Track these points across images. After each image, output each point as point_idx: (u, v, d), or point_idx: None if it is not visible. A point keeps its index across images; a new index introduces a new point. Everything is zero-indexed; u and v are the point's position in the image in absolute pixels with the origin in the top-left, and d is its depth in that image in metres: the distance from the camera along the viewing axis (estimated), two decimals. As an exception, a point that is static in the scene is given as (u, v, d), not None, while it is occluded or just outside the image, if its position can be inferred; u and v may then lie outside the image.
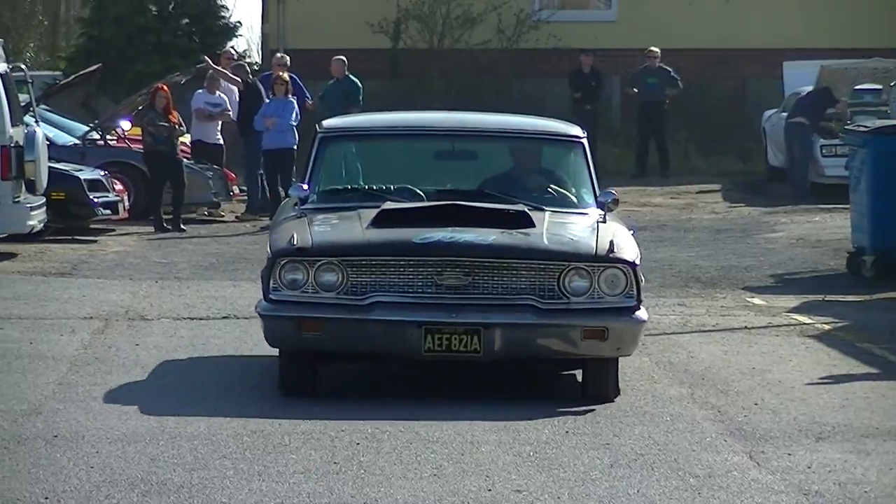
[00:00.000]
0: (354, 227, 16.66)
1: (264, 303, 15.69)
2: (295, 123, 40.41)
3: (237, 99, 42.10)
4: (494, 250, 15.38)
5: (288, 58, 43.03)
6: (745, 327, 27.92)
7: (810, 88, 43.59)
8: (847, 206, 31.89)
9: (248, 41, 55.19)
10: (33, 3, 69.30)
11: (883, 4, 49.92)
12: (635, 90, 45.81)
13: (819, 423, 19.48)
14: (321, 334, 15.43)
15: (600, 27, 50.90)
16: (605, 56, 46.78)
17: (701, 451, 18.21)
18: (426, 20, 49.88)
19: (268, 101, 40.21)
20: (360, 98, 43.09)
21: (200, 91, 44.41)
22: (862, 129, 31.55)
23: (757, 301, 31.09)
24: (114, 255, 35.57)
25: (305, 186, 17.78)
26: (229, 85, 41.70)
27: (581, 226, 16.48)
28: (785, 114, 43.36)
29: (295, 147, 41.70)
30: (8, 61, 32.53)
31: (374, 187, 18.16)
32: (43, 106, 37.72)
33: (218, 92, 43.25)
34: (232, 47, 50.97)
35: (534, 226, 15.79)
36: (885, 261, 30.05)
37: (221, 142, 44.33)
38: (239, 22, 56.77)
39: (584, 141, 18.00)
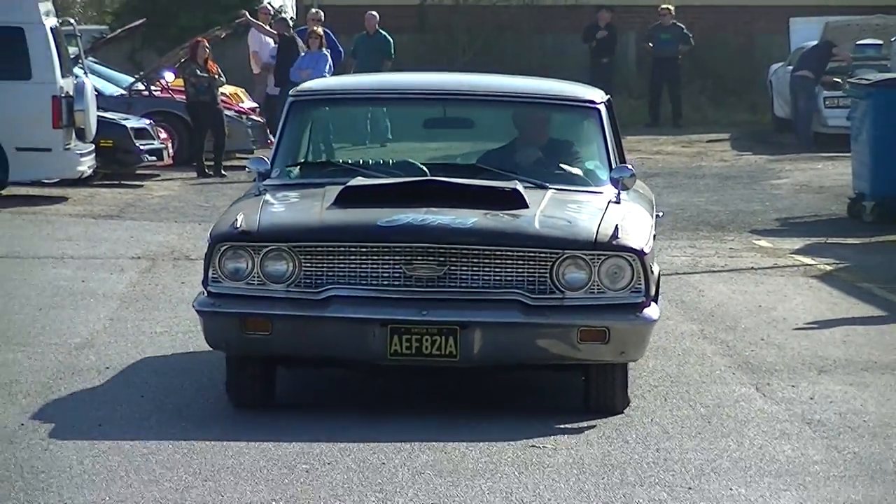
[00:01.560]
0: (314, 207, 14.33)
1: (201, 297, 13.57)
2: (328, 75, 38.46)
3: (273, 50, 42.95)
4: (474, 235, 13.13)
5: (322, 13, 42.87)
6: (752, 268, 28.21)
7: (814, 43, 44.38)
8: (848, 154, 32.75)
9: (282, -5, 50.65)
10: None
11: None
12: (650, 45, 46.44)
13: (821, 358, 19.47)
14: (268, 334, 13.24)
15: None
16: (623, 11, 46.74)
17: (710, 383, 18.35)
18: None
19: (303, 54, 40.58)
20: (392, 52, 43.28)
21: (270, 45, 45.88)
22: (864, 81, 31.70)
23: (763, 243, 31.41)
24: (159, 199, 35.94)
25: (266, 159, 15.41)
26: (265, 38, 42.24)
27: (587, 207, 14.21)
28: (790, 67, 43.82)
29: (328, 97, 35.61)
30: (57, 16, 32.40)
31: (350, 161, 15.85)
32: (91, 58, 38.29)
33: (269, 42, 43.96)
34: (268, 3, 50.16)
35: (527, 206, 13.55)
36: (884, 206, 30.53)
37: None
38: None
39: (602, 107, 15.66)
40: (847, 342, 21.01)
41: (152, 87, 42.51)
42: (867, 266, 27.34)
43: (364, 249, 12.97)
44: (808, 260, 28.88)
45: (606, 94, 16.13)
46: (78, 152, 32.40)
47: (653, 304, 12.92)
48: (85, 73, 34.05)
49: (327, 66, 40.95)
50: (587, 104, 15.67)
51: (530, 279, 12.75)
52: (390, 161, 15.75)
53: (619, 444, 14.91)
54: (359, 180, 14.02)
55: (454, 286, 12.78)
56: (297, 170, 15.45)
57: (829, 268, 27.75)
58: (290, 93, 17.13)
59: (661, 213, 17.55)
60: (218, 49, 41.20)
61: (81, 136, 32.20)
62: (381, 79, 22.08)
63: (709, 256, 29.49)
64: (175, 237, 27.93)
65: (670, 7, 44.88)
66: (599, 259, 12.75)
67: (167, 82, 42.87)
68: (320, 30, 39.19)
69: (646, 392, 18.47)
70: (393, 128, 17.34)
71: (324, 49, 40.62)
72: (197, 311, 13.37)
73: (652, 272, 13.06)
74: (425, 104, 16.72)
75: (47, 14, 30.97)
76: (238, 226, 13.26)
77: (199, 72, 39.99)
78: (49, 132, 31.32)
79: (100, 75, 38.79)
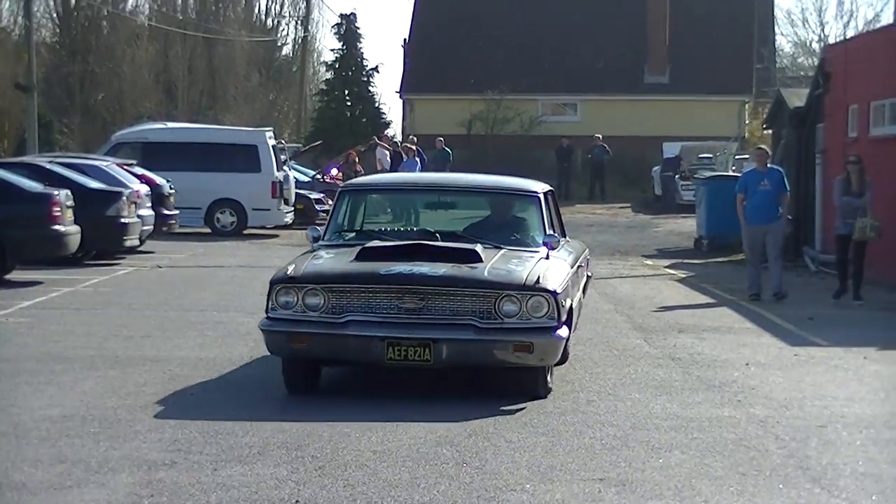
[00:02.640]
0: (341, 261, 13.69)
1: (264, 319, 13.00)
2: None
3: (389, 158, 47.71)
4: (444, 280, 12.44)
5: (415, 137, 50.95)
6: (643, 275, 30.61)
7: (672, 156, 50.99)
8: (693, 215, 37.94)
9: (394, 127, 64.14)
10: (288, 108, 72.89)
11: (721, 111, 57.00)
12: (590, 156, 54.59)
13: (680, 324, 20.72)
14: (306, 345, 12.66)
15: (572, 125, 58.38)
16: (576, 139, 54.88)
17: (619, 337, 19.41)
18: (484, 120, 58.15)
19: (405, 160, 45.40)
20: (451, 159, 48.59)
21: (388, 155, 48.38)
22: (701, 177, 38.81)
23: (649, 262, 34.16)
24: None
25: (319, 229, 14.92)
26: (385, 151, 48.08)
27: (524, 262, 13.24)
28: (659, 168, 51.90)
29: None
30: (276, 138, 39.84)
31: (375, 229, 15.12)
32: (293, 161, 44.57)
33: (387, 154, 48.33)
34: (387, 132, 59.81)
35: (481, 261, 12.85)
36: (713, 242, 33.69)
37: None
38: (391, 119, 65.69)
39: (541, 195, 14.82)
40: (695, 315, 22.10)
41: (325, 177, 47.56)
42: (705, 275, 29.56)
43: (371, 289, 12.36)
44: (672, 271, 31.26)
45: (549, 187, 15.56)
46: (285, 211, 37.37)
47: (564, 326, 12.38)
48: (289, 168, 40.41)
49: (417, 168, 44.76)
50: (531, 193, 14.77)
51: (481, 310, 12.07)
52: (399, 229, 15.14)
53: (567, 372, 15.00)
54: (374, 243, 13.44)
55: (430, 314, 12.17)
56: (340, 236, 14.44)
57: (684, 275, 29.73)
58: (341, 186, 17.59)
59: (590, 274, 17.25)
60: (361, 156, 47.96)
61: (287, 202, 37.70)
62: (401, 177, 23.02)
63: (619, 268, 31.44)
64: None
65: (599, 136, 52.32)
66: (526, 297, 12.08)
67: (333, 175, 47.78)
68: (414, 147, 45.13)
69: (582, 343, 18.24)
70: (406, 208, 17.48)
71: (415, 158, 44.81)
72: (260, 329, 12.90)
73: (563, 305, 12.41)
74: (427, 194, 16.04)
75: (270, 137, 37.34)
76: (288, 273, 12.87)
77: (351, 169, 45.31)
78: (270, 200, 35.96)
79: (297, 170, 44.51)
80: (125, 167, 29.46)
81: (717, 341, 18.51)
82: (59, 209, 22.30)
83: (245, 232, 36.98)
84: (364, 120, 60.76)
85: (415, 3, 61.75)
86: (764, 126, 42.53)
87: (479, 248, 13.22)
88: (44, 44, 60.43)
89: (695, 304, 22.84)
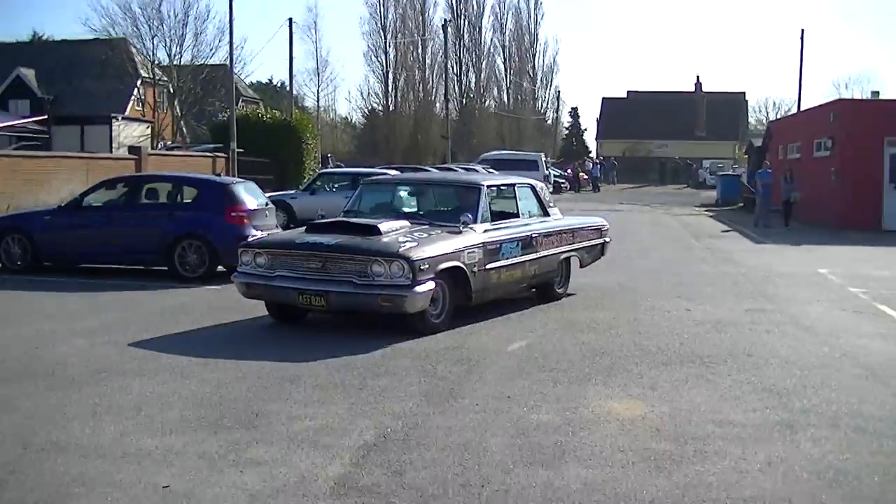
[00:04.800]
0: (295, 232, 14.07)
1: (236, 271, 13.15)
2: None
3: (590, 165, 69.18)
4: (334, 248, 12.09)
5: (601, 156, 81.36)
6: (693, 214, 41.69)
7: (707, 166, 79.16)
8: (714, 189, 60.70)
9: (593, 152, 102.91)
10: (550, 145, 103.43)
11: (728, 147, 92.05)
12: (672, 165, 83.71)
13: (711, 234, 29.50)
14: (256, 292, 12.76)
15: (668, 150, 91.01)
16: (670, 158, 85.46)
17: (684, 239, 27.09)
18: (630, 149, 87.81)
19: (592, 167, 65.84)
20: (616, 169, 77.52)
21: (589, 164, 71.32)
22: (718, 174, 65.58)
23: (695, 209, 47.18)
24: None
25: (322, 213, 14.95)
26: (591, 162, 72.39)
27: (418, 236, 12.65)
28: (703, 170, 78.08)
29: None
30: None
31: (360, 209, 14.47)
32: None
33: (590, 163, 69.99)
34: (590, 154, 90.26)
35: (380, 234, 12.60)
36: (724, 202, 48.82)
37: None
38: (591, 149, 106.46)
39: (483, 188, 13.91)
40: (716, 230, 30.37)
41: (567, 172, 66.15)
42: (720, 215, 40.28)
43: (289, 253, 12.50)
44: (706, 213, 42.97)
45: (495, 182, 14.96)
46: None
47: (420, 285, 11.94)
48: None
49: (598, 170, 66.66)
50: (474, 185, 14.33)
51: (359, 270, 11.94)
52: (381, 210, 14.43)
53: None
54: (317, 221, 13.67)
55: (326, 273, 12.13)
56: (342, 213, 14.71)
57: (711, 215, 39.80)
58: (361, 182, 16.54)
59: (607, 240, 17.20)
60: (582, 165, 69.22)
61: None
62: (396, 176, 21.30)
63: (682, 211, 42.61)
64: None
65: (676, 156, 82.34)
66: (390, 262, 11.84)
67: (568, 173, 66.21)
68: (598, 161, 67.65)
69: (668, 239, 25.53)
70: (394, 196, 15.15)
71: (598, 165, 66.69)
72: (232, 279, 13.46)
73: (420, 268, 11.88)
74: (407, 185, 15.72)
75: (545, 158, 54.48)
76: (250, 241, 13.68)
77: (575, 171, 64.53)
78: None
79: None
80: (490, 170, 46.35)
81: (727, 241, 28.84)
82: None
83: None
84: (582, 150, 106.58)
85: (602, 102, 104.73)
86: (745, 154, 66.56)
87: (383, 224, 13.12)
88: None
89: (717, 227, 34.74)
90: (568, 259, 16.21)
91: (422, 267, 12.16)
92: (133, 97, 59.84)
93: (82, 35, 67.50)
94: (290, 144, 42.90)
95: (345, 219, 13.94)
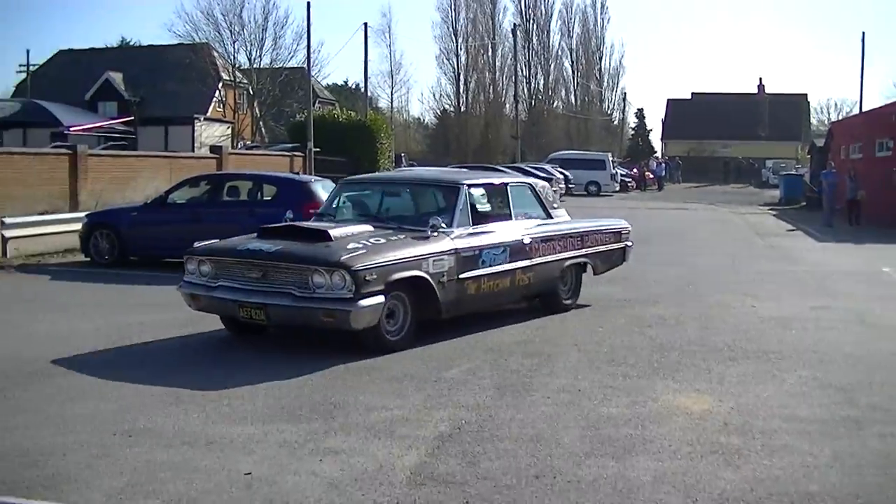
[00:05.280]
0: (245, 237, 12.04)
1: (182, 280, 11.65)
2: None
3: (655, 165, 70.68)
4: (273, 256, 10.71)
5: (667, 156, 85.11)
6: (756, 213, 41.73)
7: (770, 166, 79.02)
8: (777, 189, 59.76)
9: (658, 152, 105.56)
10: (616, 144, 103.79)
11: (791, 148, 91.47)
12: (740, 165, 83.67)
13: (774, 233, 29.42)
14: (199, 303, 11.28)
15: (730, 151, 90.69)
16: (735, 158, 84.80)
17: (748, 237, 26.97)
18: (695, 149, 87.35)
19: (656, 166, 68.35)
20: (680, 168, 78.94)
21: (654, 163, 74.01)
22: (782, 174, 64.91)
23: (759, 207, 47.60)
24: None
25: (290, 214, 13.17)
26: (656, 161, 75.36)
27: (380, 242, 11.03)
28: (765, 170, 77.72)
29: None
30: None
31: (338, 213, 12.89)
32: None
33: (654, 163, 72.45)
34: (655, 154, 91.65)
35: (329, 240, 11.04)
36: (787, 201, 47.61)
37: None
38: (656, 149, 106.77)
39: (464, 186, 12.19)
40: (780, 229, 30.54)
41: (633, 170, 68.16)
42: (783, 213, 39.60)
43: (230, 261, 11.04)
44: (770, 212, 42.83)
45: (478, 181, 13.01)
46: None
47: (366, 298, 10.35)
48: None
49: (663, 169, 68.00)
50: (452, 185, 12.53)
51: (299, 281, 10.42)
52: (354, 210, 13.04)
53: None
54: (271, 225, 12.04)
55: (266, 283, 10.61)
56: (318, 216, 13.24)
57: (774, 213, 39.68)
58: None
59: (629, 244, 15.19)
60: (647, 164, 71.67)
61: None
62: (376, 175, 17.35)
63: (747, 210, 42.36)
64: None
65: (746, 157, 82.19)
66: (330, 272, 10.28)
67: (633, 171, 67.89)
68: (663, 161, 71.11)
69: (735, 236, 25.72)
70: (368, 195, 13.40)
71: (663, 164, 69.00)
72: (177, 289, 11.85)
73: (364, 280, 10.32)
74: (383, 185, 13.62)
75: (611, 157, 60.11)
76: (196, 247, 11.73)
77: (641, 169, 66.55)
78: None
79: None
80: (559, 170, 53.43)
81: (791, 239, 28.91)
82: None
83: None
84: (648, 150, 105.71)
85: (667, 103, 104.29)
86: (808, 154, 64.09)
87: (337, 229, 11.66)
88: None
89: (781, 225, 34.64)
90: (577, 266, 14.49)
91: (367, 277, 10.59)
92: (214, 99, 60.54)
93: (167, 40, 69.59)
94: (365, 144, 43.11)
95: (295, 222, 12.57)
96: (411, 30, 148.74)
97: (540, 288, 13.80)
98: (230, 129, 52.17)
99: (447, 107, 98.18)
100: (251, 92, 61.53)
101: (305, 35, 43.97)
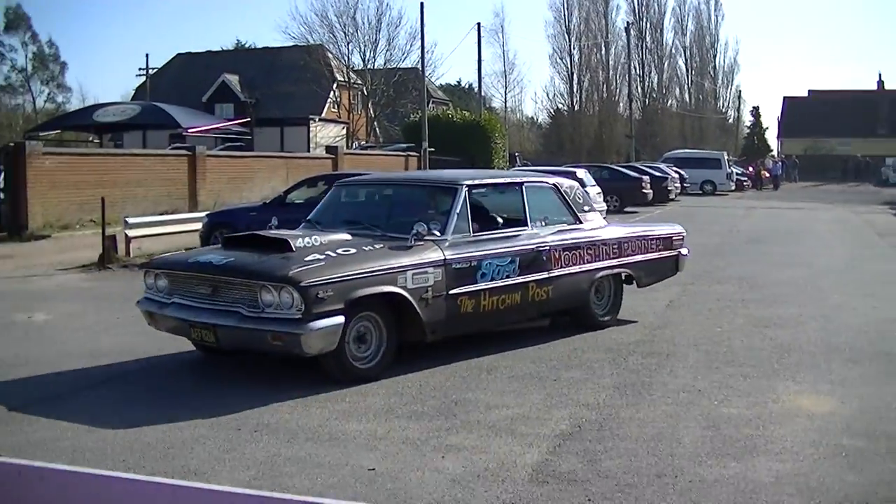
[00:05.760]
0: (202, 249, 11.86)
1: (142, 296, 10.58)
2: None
3: (772, 164, 69.59)
4: (222, 270, 9.46)
5: (783, 155, 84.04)
6: (877, 213, 37.84)
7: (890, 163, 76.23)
8: None
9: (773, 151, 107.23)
10: (731, 144, 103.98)
11: None
12: (857, 163, 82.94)
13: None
14: (156, 322, 10.15)
15: (850, 148, 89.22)
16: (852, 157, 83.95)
17: (867, 236, 26.10)
18: (811, 147, 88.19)
19: (773, 166, 67.96)
20: (797, 167, 77.66)
21: (769, 162, 73.41)
22: None
23: (879, 206, 43.53)
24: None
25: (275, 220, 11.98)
26: (772, 161, 73.96)
27: (347, 253, 9.53)
28: (884, 168, 75.76)
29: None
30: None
31: (326, 219, 11.26)
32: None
33: (770, 162, 72.65)
34: (771, 154, 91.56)
35: (290, 251, 9.63)
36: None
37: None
38: (772, 148, 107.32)
39: (464, 188, 10.63)
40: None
41: (749, 169, 66.81)
42: None
43: (181, 276, 9.88)
44: (890, 210, 38.00)
45: (473, 182, 10.94)
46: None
47: (320, 319, 8.91)
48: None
49: (780, 169, 66.27)
50: (449, 186, 10.97)
51: (248, 299, 9.12)
52: (347, 216, 11.35)
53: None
54: (240, 234, 10.79)
55: (216, 301, 9.41)
56: (311, 223, 11.55)
57: (894, 212, 37.85)
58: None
59: (685, 253, 13.41)
60: (763, 163, 70.91)
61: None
62: (373, 176, 14.86)
63: (867, 210, 38.91)
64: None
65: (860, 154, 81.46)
66: (279, 288, 8.90)
67: (749, 171, 67.19)
68: (779, 161, 70.77)
69: (853, 236, 24.98)
70: (362, 199, 11.86)
71: (779, 164, 68.30)
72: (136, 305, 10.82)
73: (316, 298, 8.89)
74: (375, 187, 12.14)
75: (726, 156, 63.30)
76: (153, 260, 11.38)
77: (757, 169, 66.34)
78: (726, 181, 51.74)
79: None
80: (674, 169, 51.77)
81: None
82: (646, 185, 40.60)
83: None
84: (763, 149, 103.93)
85: (783, 101, 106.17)
86: None
87: (301, 238, 10.17)
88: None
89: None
90: (614, 277, 12.71)
91: (319, 294, 9.13)
92: (329, 100, 61.42)
93: (282, 42, 72.55)
94: (480, 143, 43.69)
95: (257, 231, 10.99)
96: (524, 29, 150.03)
97: (564, 303, 12.09)
98: (345, 129, 52.89)
99: (561, 106, 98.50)
100: (365, 93, 62.14)
101: (419, 36, 45.28)
